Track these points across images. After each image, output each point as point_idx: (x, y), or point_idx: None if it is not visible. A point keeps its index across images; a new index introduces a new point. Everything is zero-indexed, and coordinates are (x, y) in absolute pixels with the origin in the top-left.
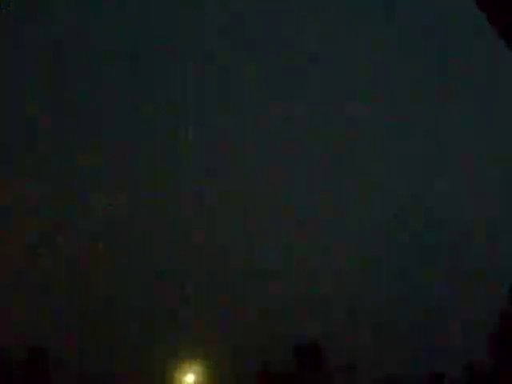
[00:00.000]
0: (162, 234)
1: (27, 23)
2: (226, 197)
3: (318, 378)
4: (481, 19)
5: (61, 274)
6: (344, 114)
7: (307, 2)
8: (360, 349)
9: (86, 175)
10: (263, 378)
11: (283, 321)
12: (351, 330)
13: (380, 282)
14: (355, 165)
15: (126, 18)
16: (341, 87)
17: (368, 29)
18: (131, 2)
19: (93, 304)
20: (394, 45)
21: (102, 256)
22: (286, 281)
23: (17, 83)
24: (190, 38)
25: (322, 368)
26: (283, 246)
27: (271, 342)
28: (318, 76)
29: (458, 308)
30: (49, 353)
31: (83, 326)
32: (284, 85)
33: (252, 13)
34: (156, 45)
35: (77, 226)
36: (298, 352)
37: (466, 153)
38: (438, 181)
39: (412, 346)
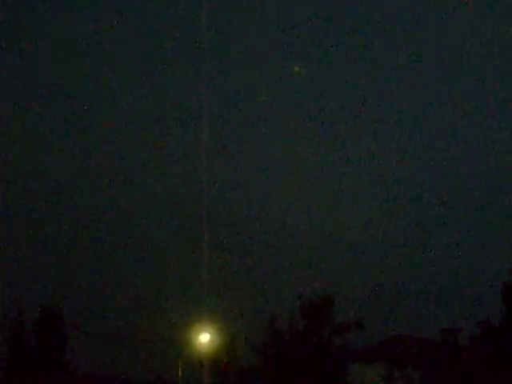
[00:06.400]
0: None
1: None
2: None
3: (325, 334)
4: None
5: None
6: None
7: None
8: (370, 306)
9: None
10: (272, 335)
11: (295, 278)
12: (361, 287)
13: (391, 238)
14: None
15: None
16: None
17: None
18: None
19: (110, 266)
20: None
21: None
22: (297, 238)
23: None
24: None
25: (332, 323)
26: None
27: (282, 299)
28: None
29: (471, 264)
30: (63, 314)
31: (98, 287)
32: None
33: None
34: None
35: None
36: (309, 305)
37: None
38: None
39: (424, 301)
